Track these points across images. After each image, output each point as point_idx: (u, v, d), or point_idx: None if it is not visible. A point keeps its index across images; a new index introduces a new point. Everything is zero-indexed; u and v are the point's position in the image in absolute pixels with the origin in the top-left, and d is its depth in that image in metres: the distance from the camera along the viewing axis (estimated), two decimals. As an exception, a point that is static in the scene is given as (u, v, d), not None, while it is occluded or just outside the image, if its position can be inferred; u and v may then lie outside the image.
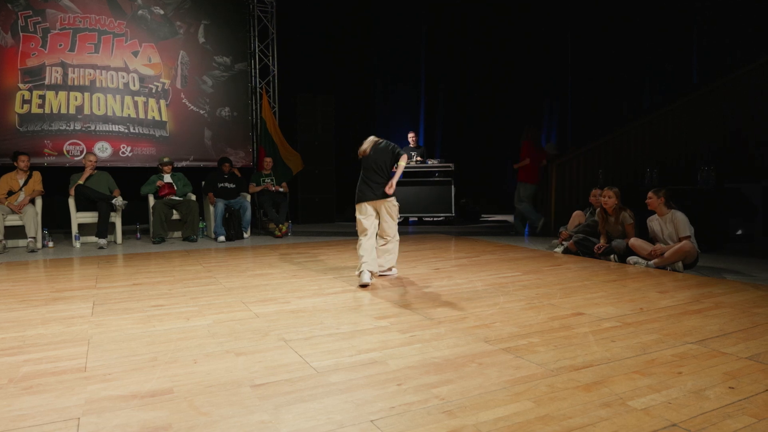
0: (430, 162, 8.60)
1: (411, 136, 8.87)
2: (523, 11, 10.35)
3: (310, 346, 2.47)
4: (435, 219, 8.86)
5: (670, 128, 6.96)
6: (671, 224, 4.50)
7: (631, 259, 4.73)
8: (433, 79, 10.86)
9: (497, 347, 2.44)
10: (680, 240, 4.40)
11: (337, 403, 1.85)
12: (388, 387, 1.99)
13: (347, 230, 7.81)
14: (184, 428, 1.69)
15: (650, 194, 4.61)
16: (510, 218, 9.76)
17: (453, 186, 8.44)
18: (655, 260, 4.50)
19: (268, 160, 7.80)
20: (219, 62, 8.65)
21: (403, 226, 8.53)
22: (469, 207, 9.46)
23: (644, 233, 4.81)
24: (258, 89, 9.04)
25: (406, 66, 10.69)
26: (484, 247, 5.94)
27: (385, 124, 10.56)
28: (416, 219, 9.01)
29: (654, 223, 4.67)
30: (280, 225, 7.10)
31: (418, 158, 8.57)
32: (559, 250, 5.50)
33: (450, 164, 8.44)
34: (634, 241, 4.71)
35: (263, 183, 7.54)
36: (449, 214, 8.47)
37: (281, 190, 7.48)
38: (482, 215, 9.73)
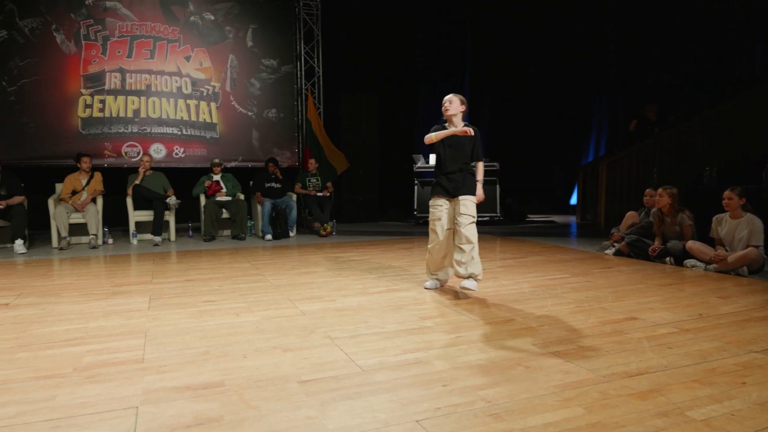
0: (475, 161, 8.51)
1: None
2: (570, 5, 10.08)
3: (355, 345, 2.50)
4: (480, 219, 8.77)
5: (732, 124, 6.61)
6: (745, 229, 4.24)
7: (689, 262, 4.53)
8: (478, 77, 10.74)
9: (545, 351, 2.39)
10: (747, 246, 4.16)
11: (382, 402, 1.86)
12: (434, 387, 1.99)
13: (390, 230, 7.83)
14: (235, 421, 1.73)
15: (729, 194, 4.35)
16: (558, 218, 9.54)
17: (498, 186, 8.32)
18: (716, 265, 4.29)
19: (313, 160, 7.92)
20: (266, 65, 8.84)
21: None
22: (514, 207, 9.29)
23: (703, 235, 4.59)
24: (303, 90, 9.19)
25: (450, 64, 10.62)
26: (530, 248, 5.83)
27: (429, 123, 10.49)
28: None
29: (722, 223, 4.43)
30: (325, 224, 7.20)
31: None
32: (610, 251, 5.33)
33: (495, 163, 8.32)
34: (692, 244, 4.50)
35: (309, 183, 7.65)
36: (494, 215, 8.35)
37: (327, 194, 7.57)
38: (528, 216, 9.54)
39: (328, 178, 8.06)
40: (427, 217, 8.83)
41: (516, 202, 9.39)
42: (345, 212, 8.99)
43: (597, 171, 6.77)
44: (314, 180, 7.73)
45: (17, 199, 5.90)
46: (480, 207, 8.39)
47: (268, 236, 6.82)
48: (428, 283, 3.81)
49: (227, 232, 7.22)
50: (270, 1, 8.83)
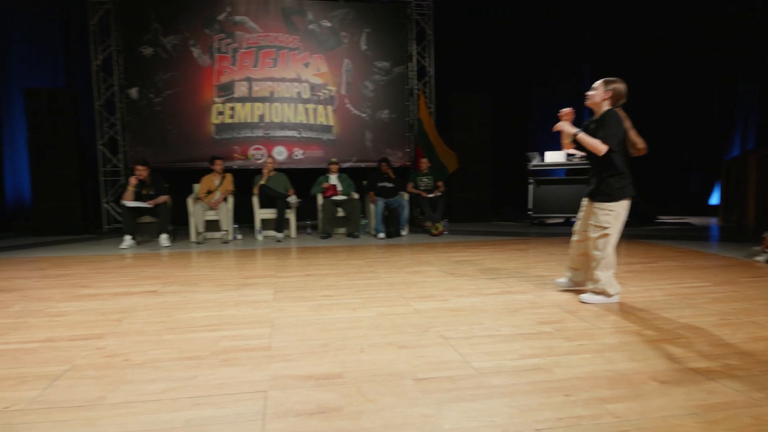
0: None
1: (573, 132, 8.33)
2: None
3: (469, 346, 2.46)
4: None
5: None
6: None
7: None
8: (598, 71, 10.08)
9: (683, 366, 2.18)
10: None
11: (499, 407, 1.82)
12: (554, 396, 1.90)
13: (503, 230, 7.63)
14: (354, 412, 1.79)
15: None
16: (694, 220, 8.68)
17: (623, 184, 7.75)
18: None
19: (425, 160, 7.95)
20: (379, 67, 9.05)
21: (566, 226, 8.08)
22: (642, 207, 8.59)
23: None
24: (415, 91, 9.27)
25: (566, 60, 10.11)
26: (661, 252, 5.35)
27: (543, 121, 10.11)
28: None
29: None
30: (437, 224, 7.21)
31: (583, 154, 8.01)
32: (761, 258, 4.73)
33: (620, 161, 7.76)
34: None
35: (420, 182, 7.71)
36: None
37: (439, 194, 7.56)
38: (658, 217, 8.78)
39: (440, 177, 8.06)
40: (543, 217, 8.50)
41: (644, 202, 8.68)
42: (457, 211, 8.92)
43: (744, 166, 6.02)
44: (426, 179, 7.76)
45: (162, 199, 6.61)
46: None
47: (381, 234, 6.98)
48: (559, 279, 3.67)
49: (342, 230, 7.50)
50: (383, 5, 9.04)
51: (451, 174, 8.72)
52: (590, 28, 10.04)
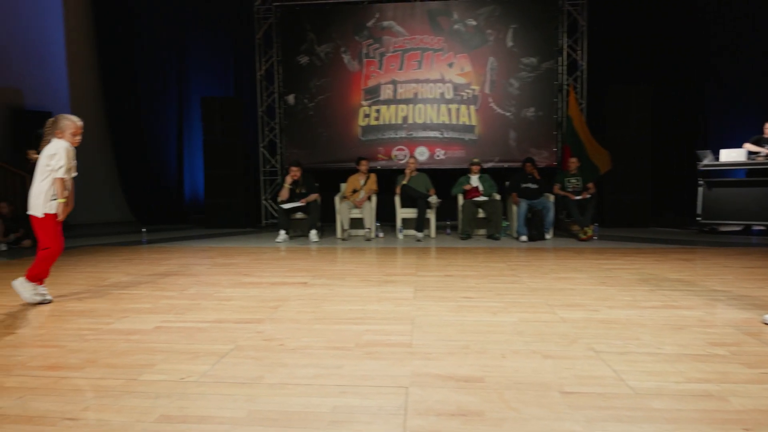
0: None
1: (768, 125, 7.13)
2: None
3: (624, 363, 2.26)
4: (761, 227, 7.01)
5: None
6: None
7: None
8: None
9: None
10: None
11: (661, 433, 1.64)
12: (730, 429, 1.66)
13: (664, 237, 6.89)
14: (495, 419, 1.74)
15: None
16: None
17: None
18: None
19: (574, 159, 7.48)
20: (525, 63, 8.73)
21: (745, 235, 7.05)
22: None
23: None
24: (564, 86, 8.78)
25: (750, 40, 8.75)
26: None
27: (719, 113, 8.90)
28: (763, 228, 7.25)
29: None
30: (585, 228, 6.75)
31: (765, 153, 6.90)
32: None
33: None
34: None
35: (568, 183, 7.28)
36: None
37: (588, 196, 7.07)
38: None
39: (590, 178, 7.53)
40: (716, 223, 7.48)
41: None
42: (608, 215, 8.27)
43: None
44: (574, 180, 7.31)
45: (313, 197, 7.09)
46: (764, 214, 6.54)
47: (523, 237, 6.73)
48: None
49: (482, 232, 7.38)
50: (532, -1, 8.69)
51: (602, 174, 8.10)
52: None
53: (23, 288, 3.35)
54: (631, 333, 2.69)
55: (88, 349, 2.49)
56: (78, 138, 3.34)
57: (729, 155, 7.02)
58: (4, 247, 6.24)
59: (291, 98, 9.08)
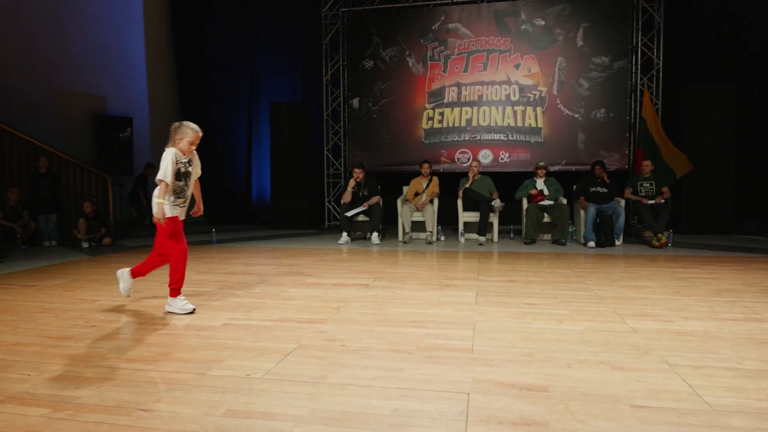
0: None
1: None
2: None
3: (701, 377, 2.13)
4: None
5: None
6: None
7: None
8: None
9: None
10: None
11: (742, 454, 1.53)
12: (823, 454, 1.53)
13: (747, 246, 6.41)
14: (561, 430, 1.69)
15: None
16: None
17: None
18: None
19: (647, 162, 7.11)
20: (596, 63, 8.41)
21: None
22: None
23: None
24: (638, 86, 8.38)
25: None
26: None
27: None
28: None
29: None
30: (659, 234, 6.40)
31: None
32: None
33: None
34: None
35: (640, 188, 6.94)
36: None
37: (663, 201, 6.70)
38: None
39: (665, 182, 7.13)
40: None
41: None
42: (685, 221, 7.79)
43: None
44: (647, 184, 6.95)
45: (375, 199, 7.16)
46: None
47: (591, 243, 6.48)
48: None
49: (547, 237, 7.17)
50: (604, -4, 8.37)
51: (679, 179, 7.66)
52: None
53: (173, 306, 3.29)
54: (709, 346, 2.53)
55: (161, 343, 2.65)
56: (194, 147, 3.42)
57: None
58: (86, 245, 6.73)
59: (356, 102, 9.22)
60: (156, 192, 3.27)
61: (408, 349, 2.52)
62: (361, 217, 7.23)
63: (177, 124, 3.39)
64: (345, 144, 9.50)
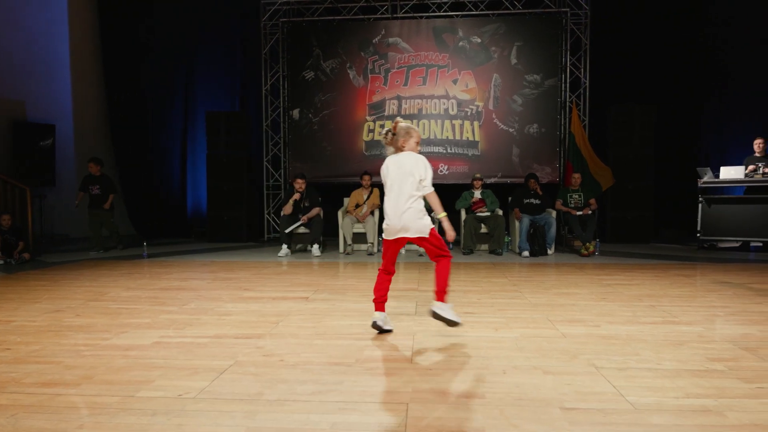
0: (787, 174, 6.84)
1: (757, 142, 7.25)
2: None
3: (624, 378, 2.26)
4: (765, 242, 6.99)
5: None
6: None
7: None
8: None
9: None
10: None
11: (661, 450, 1.63)
12: (730, 446, 1.66)
13: (665, 254, 6.88)
14: (495, 436, 1.74)
15: None
16: None
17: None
18: None
19: (576, 176, 7.50)
20: (529, 80, 8.80)
21: (743, 251, 7.03)
22: None
23: None
24: (567, 103, 8.84)
25: (747, 59, 8.82)
26: None
27: (717, 131, 8.93)
28: (761, 244, 7.28)
29: None
30: (587, 243, 6.74)
31: (763, 171, 6.94)
32: None
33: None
34: None
35: (570, 199, 7.30)
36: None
37: (590, 212, 7.08)
38: None
39: (592, 194, 7.54)
40: (715, 240, 7.53)
41: None
42: (610, 231, 8.26)
43: None
44: (576, 196, 7.33)
45: (315, 211, 7.11)
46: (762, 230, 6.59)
47: (525, 253, 6.73)
48: None
49: (485, 247, 7.38)
50: (536, 17, 8.80)
51: (605, 191, 8.12)
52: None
53: (445, 312, 2.94)
54: (631, 349, 2.69)
55: (84, 365, 2.49)
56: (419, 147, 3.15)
57: (728, 173, 7.06)
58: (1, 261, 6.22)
59: (296, 113, 9.16)
60: (434, 205, 3.06)
61: (348, 361, 2.51)
62: (302, 229, 7.16)
63: (404, 125, 3.11)
64: (285, 155, 9.40)
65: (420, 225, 2.98)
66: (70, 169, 8.61)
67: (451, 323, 2.92)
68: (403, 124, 3.11)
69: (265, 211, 9.47)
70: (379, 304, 3.05)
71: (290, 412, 1.93)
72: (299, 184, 7.08)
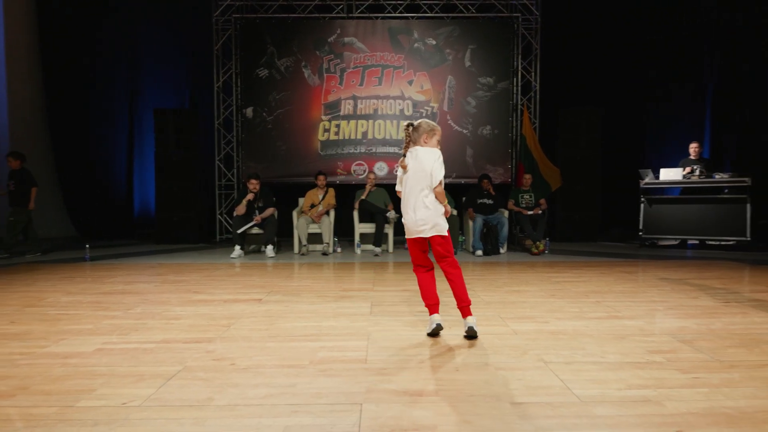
0: (717, 176, 7.26)
1: (693, 146, 7.66)
2: None
3: (571, 372, 2.33)
4: (722, 243, 7.42)
5: None
6: None
7: None
8: (724, 78, 9.21)
9: (825, 412, 1.90)
10: None
11: (605, 440, 1.70)
12: (667, 433, 1.74)
13: (610, 251, 7.16)
14: (448, 432, 1.76)
15: None
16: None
17: (749, 204, 6.95)
18: None
19: (527, 176, 7.71)
20: (483, 83, 8.97)
21: (681, 249, 7.41)
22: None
23: None
24: (519, 106, 9.07)
25: (685, 68, 9.33)
26: (799, 282, 4.73)
27: (659, 136, 9.40)
28: (697, 242, 7.72)
29: None
30: (537, 242, 6.94)
31: (699, 173, 7.34)
32: None
33: (745, 179, 6.98)
34: None
35: (521, 199, 7.49)
36: (742, 238, 7.00)
37: (540, 212, 7.30)
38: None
39: (542, 194, 7.77)
40: (655, 238, 7.90)
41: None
42: (559, 230, 8.54)
43: None
44: (527, 196, 7.53)
45: (270, 211, 7.01)
46: (723, 229, 7.16)
47: (479, 252, 6.86)
48: None
49: (439, 246, 7.45)
50: (489, 21, 8.98)
51: (554, 191, 8.38)
52: (714, 41, 9.22)
53: (475, 325, 2.92)
54: (578, 343, 2.78)
55: (19, 375, 2.35)
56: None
57: (668, 174, 7.44)
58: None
59: (249, 111, 9.00)
60: (442, 196, 2.98)
61: (301, 363, 2.48)
62: (255, 230, 7.04)
63: (427, 123, 3.00)
64: (238, 154, 9.22)
65: (435, 221, 2.98)
66: (5, 171, 8.12)
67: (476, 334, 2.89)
68: (428, 120, 3.06)
69: (218, 212, 9.25)
70: (433, 307, 3.00)
71: (241, 417, 1.89)
72: (253, 184, 6.95)
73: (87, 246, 6.66)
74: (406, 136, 3.02)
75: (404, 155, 3.02)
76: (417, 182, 2.96)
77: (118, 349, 2.72)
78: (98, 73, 9.33)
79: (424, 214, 2.96)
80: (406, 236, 3.08)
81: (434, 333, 2.94)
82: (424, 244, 3.06)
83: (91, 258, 6.48)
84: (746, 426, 1.78)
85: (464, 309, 2.94)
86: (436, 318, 2.95)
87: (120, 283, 4.79)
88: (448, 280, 2.98)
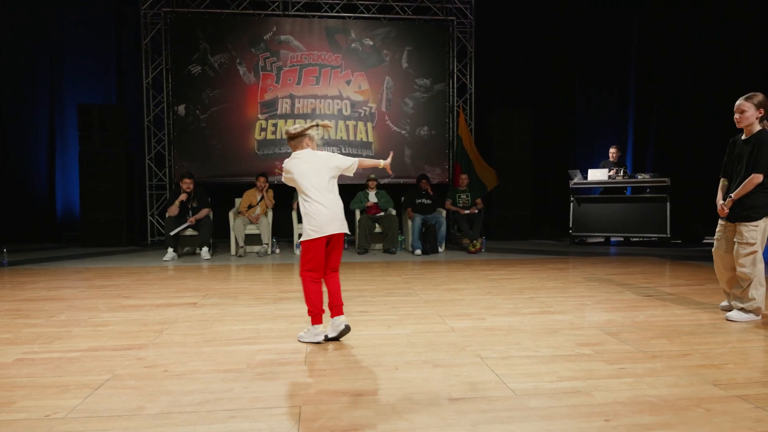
0: (640, 177, 7.76)
1: (612, 150, 8.19)
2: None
3: (506, 366, 2.41)
4: (645, 240, 7.94)
5: None
6: None
7: None
8: (645, 87, 9.83)
9: (730, 393, 2.07)
10: None
11: (536, 430, 1.77)
12: (594, 421, 1.84)
13: (543, 249, 7.48)
14: (387, 430, 1.78)
15: None
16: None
17: (668, 203, 7.48)
18: None
19: (464, 176, 7.91)
20: (420, 84, 9.10)
21: (606, 245, 7.85)
22: (688, 228, 8.28)
23: None
24: (455, 108, 9.27)
25: (611, 76, 9.91)
26: (708, 274, 5.12)
27: (587, 138, 9.94)
28: (622, 239, 8.22)
29: None
30: (474, 241, 7.13)
31: (623, 174, 7.83)
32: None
33: (665, 179, 7.50)
34: None
35: (458, 199, 7.67)
36: (663, 235, 7.52)
37: (476, 211, 7.51)
38: (707, 237, 8.43)
39: (478, 194, 7.99)
40: (584, 236, 8.30)
41: (691, 223, 8.38)
42: (495, 229, 8.81)
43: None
44: (464, 196, 7.71)
45: (204, 212, 6.79)
46: (645, 227, 7.61)
47: (418, 251, 6.96)
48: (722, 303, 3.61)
49: (379, 246, 7.51)
50: (425, 23, 9.12)
51: (489, 191, 8.64)
52: (637, 45, 9.83)
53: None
54: (513, 338, 2.88)
55: (-69, 387, 2.17)
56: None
57: (595, 175, 7.86)
58: None
59: (181, 109, 8.66)
60: None
61: (239, 367, 2.42)
62: (189, 231, 6.80)
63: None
64: (170, 153, 8.85)
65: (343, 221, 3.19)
66: None
67: (348, 329, 2.88)
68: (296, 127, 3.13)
69: (149, 213, 8.85)
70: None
71: (174, 425, 1.82)
72: (186, 183, 6.71)
73: (4, 250, 6.18)
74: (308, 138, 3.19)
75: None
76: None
77: (40, 359, 2.55)
78: (12, 66, 8.67)
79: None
80: (318, 236, 2.94)
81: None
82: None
83: (9, 263, 6.03)
84: (668, 413, 1.90)
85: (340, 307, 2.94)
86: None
87: (42, 288, 4.48)
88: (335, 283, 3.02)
